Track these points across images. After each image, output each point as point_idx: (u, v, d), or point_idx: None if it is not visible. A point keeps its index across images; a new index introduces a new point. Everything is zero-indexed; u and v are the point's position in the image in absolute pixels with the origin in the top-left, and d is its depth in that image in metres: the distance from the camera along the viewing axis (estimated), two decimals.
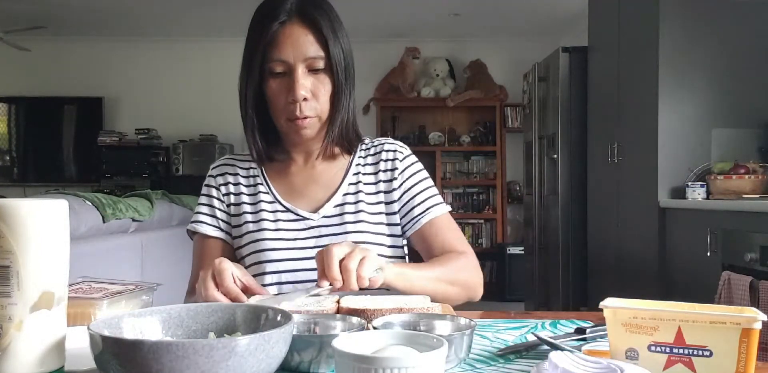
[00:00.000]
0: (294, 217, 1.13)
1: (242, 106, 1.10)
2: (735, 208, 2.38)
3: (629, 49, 3.24)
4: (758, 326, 0.54)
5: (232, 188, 1.18)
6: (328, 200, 1.14)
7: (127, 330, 0.59)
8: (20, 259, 0.52)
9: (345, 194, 1.15)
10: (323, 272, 0.85)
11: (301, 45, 1.04)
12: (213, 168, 1.21)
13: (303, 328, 0.71)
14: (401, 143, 1.23)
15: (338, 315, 0.74)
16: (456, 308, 0.96)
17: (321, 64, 1.06)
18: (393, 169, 1.18)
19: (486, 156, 5.82)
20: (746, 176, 2.64)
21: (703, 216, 2.55)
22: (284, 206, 1.14)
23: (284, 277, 1.08)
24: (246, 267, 1.11)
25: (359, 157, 1.20)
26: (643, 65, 3.02)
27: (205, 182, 1.20)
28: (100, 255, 2.20)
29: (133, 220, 2.44)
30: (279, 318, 0.61)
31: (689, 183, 2.77)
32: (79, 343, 0.58)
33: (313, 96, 1.06)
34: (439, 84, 5.74)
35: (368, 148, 1.21)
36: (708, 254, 2.47)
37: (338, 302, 0.83)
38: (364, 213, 1.13)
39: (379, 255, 0.96)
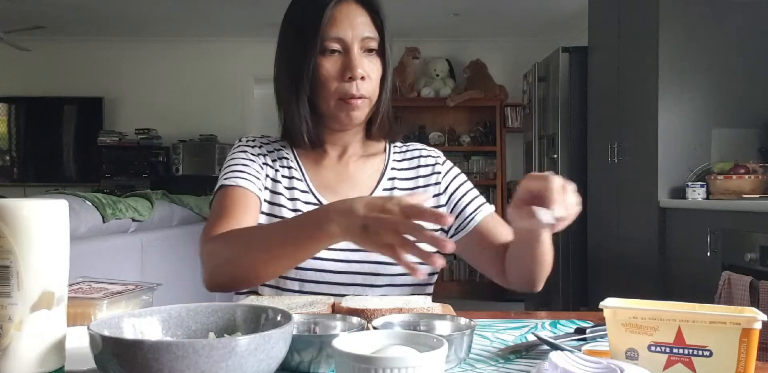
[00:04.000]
0: None
1: (293, 90, 1.04)
2: (735, 208, 2.37)
3: (629, 49, 3.24)
4: (758, 326, 0.54)
5: (269, 171, 1.10)
6: None
7: (127, 330, 0.59)
8: (20, 259, 0.52)
9: None
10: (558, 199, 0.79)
11: (358, 24, 1.02)
12: (249, 140, 1.13)
13: (303, 328, 0.71)
14: (432, 148, 1.22)
15: (338, 315, 0.74)
16: (456, 308, 0.96)
17: (374, 45, 1.04)
18: (436, 173, 1.16)
19: (486, 156, 5.82)
20: (746, 176, 2.64)
21: (703, 216, 2.55)
22: (318, 200, 1.09)
23: (307, 275, 1.04)
24: None
25: (393, 160, 1.17)
26: (643, 65, 3.02)
27: (241, 149, 1.11)
28: (100, 255, 2.20)
29: (133, 220, 2.44)
30: (279, 318, 0.61)
31: (689, 183, 2.77)
32: (79, 343, 0.58)
33: (367, 77, 1.03)
34: (439, 84, 5.74)
35: (401, 152, 1.18)
36: (708, 254, 2.47)
37: (333, 305, 0.83)
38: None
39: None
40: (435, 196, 1.14)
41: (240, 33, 5.85)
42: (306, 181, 1.10)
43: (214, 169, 5.80)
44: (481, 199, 1.16)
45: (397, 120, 5.94)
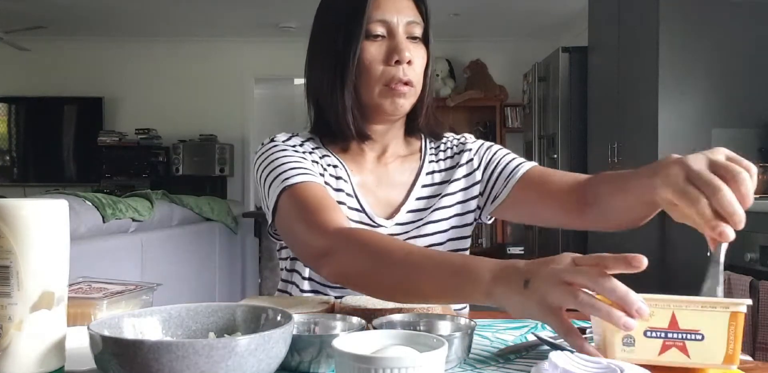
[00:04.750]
0: (367, 220, 1.03)
1: (338, 78, 0.99)
2: None
3: (629, 49, 3.24)
4: (743, 309, 0.57)
5: (320, 169, 1.02)
6: (402, 204, 1.06)
7: (127, 330, 0.59)
8: (20, 259, 0.52)
9: (418, 199, 1.07)
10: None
11: (403, 8, 0.99)
12: (285, 141, 1.04)
13: (303, 328, 0.71)
14: (463, 134, 1.18)
15: (338, 315, 0.74)
16: (456, 307, 0.96)
17: (418, 32, 1.00)
18: (467, 151, 1.11)
19: None
20: None
21: None
22: (361, 206, 1.03)
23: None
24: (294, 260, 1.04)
25: (430, 154, 1.12)
26: (643, 65, 3.02)
27: (279, 149, 1.01)
28: (100, 255, 2.20)
29: (133, 220, 2.44)
30: (279, 318, 0.61)
31: None
32: (79, 343, 0.58)
33: (413, 62, 0.99)
34: (439, 84, 5.75)
35: (437, 147, 1.15)
36: (708, 254, 2.47)
37: (333, 305, 0.83)
38: (433, 223, 1.06)
39: None
40: (468, 174, 1.09)
41: (240, 33, 5.85)
42: (350, 182, 1.04)
43: (214, 169, 5.80)
44: (522, 159, 1.10)
45: None
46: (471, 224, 1.10)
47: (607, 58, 3.52)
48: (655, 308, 0.58)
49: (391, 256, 0.77)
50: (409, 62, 0.98)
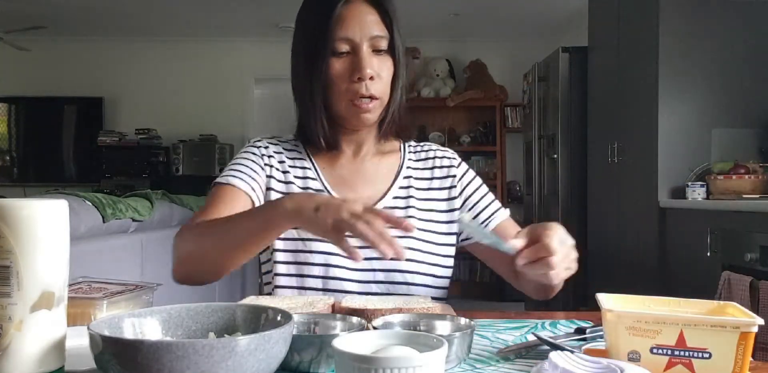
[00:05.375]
0: None
1: (307, 91, 1.05)
2: (735, 208, 2.37)
3: (629, 49, 3.24)
4: (755, 329, 0.56)
5: (276, 173, 1.10)
6: (379, 201, 1.09)
7: (127, 330, 0.59)
8: (20, 259, 0.52)
9: (395, 197, 1.11)
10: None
11: (367, 24, 1.02)
12: (257, 141, 1.14)
13: (303, 328, 0.71)
14: (446, 148, 1.21)
15: (338, 315, 0.74)
16: (456, 308, 0.96)
17: (384, 45, 1.03)
18: (452, 176, 1.15)
19: (486, 156, 5.81)
20: (746, 176, 2.64)
21: (703, 216, 2.55)
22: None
23: (331, 272, 1.04)
24: (286, 252, 1.07)
25: (409, 159, 1.16)
26: (643, 65, 3.02)
27: (247, 150, 1.13)
28: (100, 255, 2.20)
29: (133, 220, 2.44)
30: (279, 318, 0.61)
31: (689, 183, 2.77)
32: (79, 343, 0.58)
33: (377, 76, 1.02)
34: (439, 84, 5.74)
35: (417, 152, 1.18)
36: (708, 254, 2.47)
37: (333, 305, 0.84)
38: (413, 219, 1.09)
39: (426, 263, 1.01)
40: (449, 199, 1.14)
41: (240, 33, 5.85)
42: (321, 180, 1.09)
43: (215, 170, 5.80)
44: (497, 204, 1.15)
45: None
46: (454, 244, 1.14)
47: (607, 58, 3.52)
48: (663, 326, 0.58)
49: (214, 223, 0.92)
50: (371, 78, 1.01)
